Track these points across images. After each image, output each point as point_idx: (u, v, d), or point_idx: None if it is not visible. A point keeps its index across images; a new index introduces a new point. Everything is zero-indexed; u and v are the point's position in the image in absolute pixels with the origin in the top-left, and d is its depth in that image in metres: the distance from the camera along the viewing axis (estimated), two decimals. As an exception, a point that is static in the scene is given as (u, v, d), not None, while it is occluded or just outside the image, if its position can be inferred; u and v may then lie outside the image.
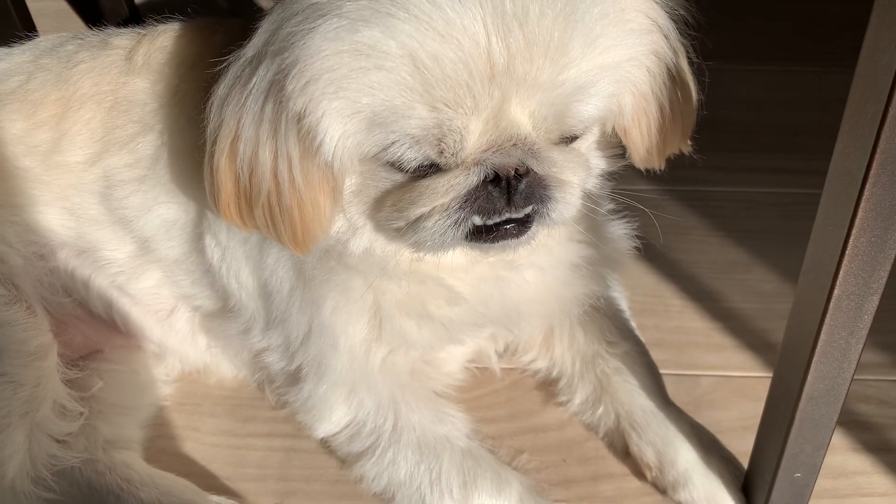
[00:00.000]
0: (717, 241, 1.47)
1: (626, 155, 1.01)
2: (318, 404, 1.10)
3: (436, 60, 0.78)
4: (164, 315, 1.19)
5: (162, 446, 1.20)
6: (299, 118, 0.83)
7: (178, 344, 1.21)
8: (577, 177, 0.90)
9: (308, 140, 0.84)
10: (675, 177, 1.55)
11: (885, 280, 0.80)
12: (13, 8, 1.67)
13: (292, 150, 0.85)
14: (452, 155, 0.84)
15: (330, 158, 0.85)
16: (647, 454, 1.12)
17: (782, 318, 1.33)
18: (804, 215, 1.48)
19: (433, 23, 0.77)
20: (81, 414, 1.10)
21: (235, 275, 1.09)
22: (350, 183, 0.91)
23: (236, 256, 1.08)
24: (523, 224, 0.89)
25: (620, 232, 1.20)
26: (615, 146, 1.01)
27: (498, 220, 0.87)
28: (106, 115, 1.11)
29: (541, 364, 1.24)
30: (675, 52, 0.92)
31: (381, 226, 0.93)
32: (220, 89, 0.88)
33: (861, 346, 0.85)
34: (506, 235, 0.89)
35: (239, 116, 0.87)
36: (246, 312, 1.12)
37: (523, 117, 0.84)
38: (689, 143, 1.02)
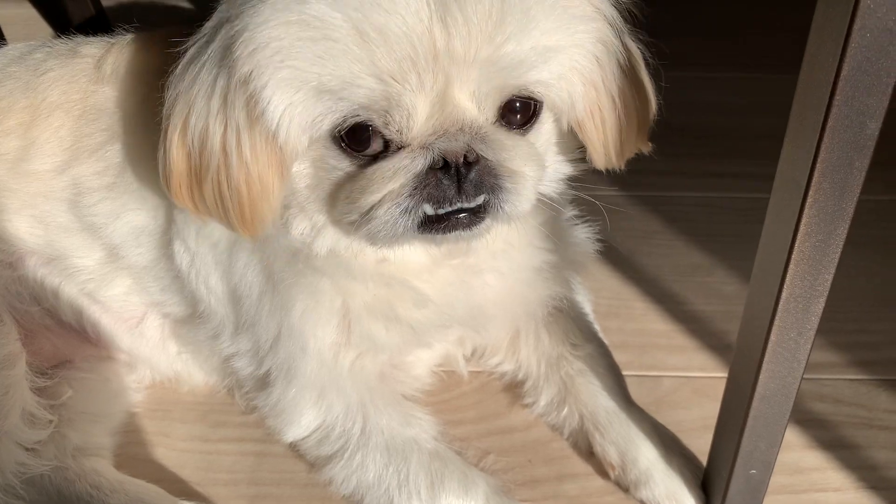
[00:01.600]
0: (680, 245, 1.51)
1: (587, 158, 1.02)
2: (287, 408, 1.12)
3: (381, 33, 0.80)
4: (135, 323, 1.20)
5: (133, 452, 1.21)
6: (246, 85, 0.85)
7: (148, 352, 1.22)
8: (530, 168, 0.91)
9: (254, 110, 0.86)
10: (638, 182, 1.60)
11: (829, 283, 0.84)
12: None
13: (241, 120, 0.87)
14: (399, 132, 0.86)
15: (274, 128, 0.86)
16: (610, 454, 1.14)
17: None
18: (762, 219, 1.53)
19: None
20: (51, 422, 1.10)
21: (204, 280, 1.10)
22: (302, 172, 0.92)
23: (205, 262, 1.09)
24: (476, 214, 0.90)
25: (583, 236, 1.23)
26: (574, 149, 1.03)
27: (449, 209, 0.88)
28: (75, 124, 1.12)
29: (507, 367, 1.26)
30: (624, 46, 0.94)
31: (338, 221, 0.94)
32: (178, 68, 0.90)
33: (809, 346, 0.89)
34: (458, 225, 0.90)
35: (191, 91, 0.89)
36: (215, 318, 1.14)
37: (467, 100, 0.86)
38: (648, 143, 1.04)
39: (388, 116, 0.85)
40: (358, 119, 0.86)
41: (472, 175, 0.87)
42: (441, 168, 0.86)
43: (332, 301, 1.04)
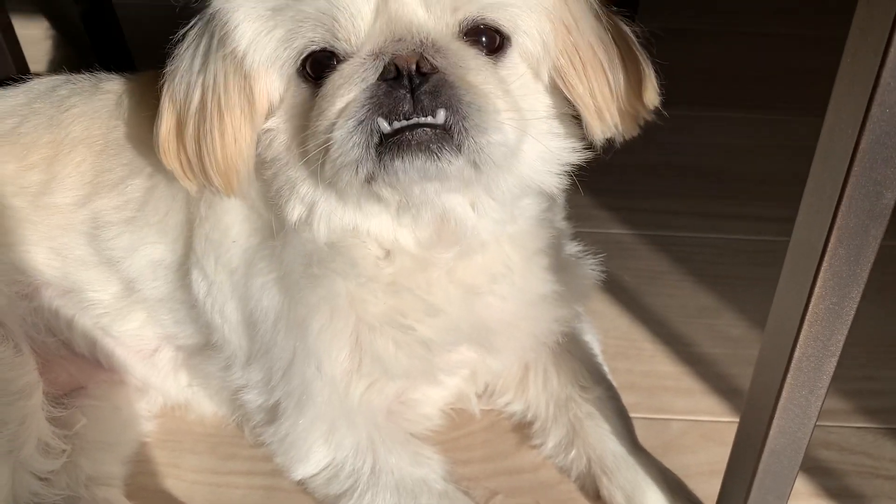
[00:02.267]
0: (688, 286, 1.52)
1: (584, 128, 0.97)
2: (296, 442, 1.12)
3: None
4: (148, 354, 1.21)
5: (143, 483, 1.21)
6: (219, 22, 0.91)
7: (160, 381, 1.23)
8: (496, 93, 0.86)
9: (226, 45, 0.91)
10: (645, 221, 1.62)
11: (842, 343, 0.85)
12: (3, 38, 1.69)
13: (215, 57, 0.92)
14: (346, 41, 0.87)
15: (241, 56, 0.91)
16: (617, 498, 1.15)
17: (750, 363, 1.38)
18: (771, 262, 1.55)
19: None
20: (64, 451, 1.12)
21: (220, 309, 1.12)
22: (278, 129, 0.95)
23: (222, 289, 1.10)
24: (440, 140, 0.84)
25: (587, 268, 1.23)
26: (574, 125, 0.99)
27: (405, 122, 0.84)
28: (96, 159, 1.14)
29: (516, 406, 1.27)
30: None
31: (311, 169, 0.92)
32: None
33: (820, 403, 0.90)
34: (418, 145, 0.84)
35: (180, 60, 0.96)
36: (228, 347, 1.15)
37: (414, 1, 0.86)
38: (650, 99, 0.98)
39: (336, 24, 0.86)
40: (314, 46, 0.88)
41: (427, 86, 0.83)
42: (395, 79, 0.84)
43: (347, 316, 1.04)
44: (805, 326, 0.83)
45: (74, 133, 1.14)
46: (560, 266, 1.15)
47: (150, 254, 1.13)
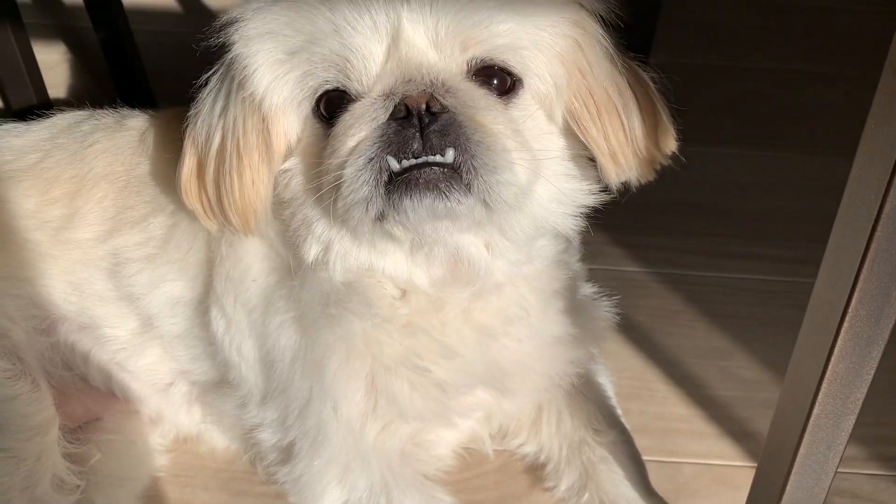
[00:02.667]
0: (700, 327, 1.52)
1: (598, 169, 0.97)
2: (311, 482, 1.12)
3: None
4: (162, 388, 1.22)
5: (155, 519, 1.22)
6: (238, 65, 0.94)
7: (173, 414, 1.24)
8: (506, 133, 0.87)
9: (244, 82, 0.94)
10: (657, 259, 1.63)
11: (861, 401, 0.85)
12: (24, 64, 1.71)
13: (234, 100, 0.95)
14: (359, 81, 0.89)
15: (259, 98, 0.93)
16: (630, 543, 1.15)
17: (762, 406, 1.40)
18: (782, 303, 1.56)
19: None
20: (78, 486, 1.12)
21: (238, 347, 1.12)
22: (294, 170, 0.97)
23: (240, 327, 1.11)
24: (450, 180, 0.85)
25: (603, 310, 1.23)
26: (589, 167, 0.99)
27: (413, 161, 0.84)
28: (118, 195, 1.15)
29: (529, 448, 1.27)
30: (613, 45, 0.95)
31: (324, 205, 0.93)
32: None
33: (838, 459, 0.90)
34: (426, 184, 0.84)
35: (203, 104, 0.99)
36: (244, 386, 1.15)
37: (423, 41, 0.88)
38: (668, 144, 0.99)
39: (349, 65, 0.89)
40: (327, 85, 0.90)
41: (436, 125, 0.84)
42: (405, 118, 0.85)
43: (363, 357, 1.05)
44: (824, 385, 0.84)
45: (97, 169, 1.15)
46: (575, 308, 1.15)
47: (170, 291, 1.14)
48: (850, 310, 0.78)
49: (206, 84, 1.00)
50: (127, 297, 1.15)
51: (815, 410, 0.86)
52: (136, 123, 1.18)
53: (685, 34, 2.06)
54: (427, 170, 0.85)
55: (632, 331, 1.48)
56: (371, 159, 0.86)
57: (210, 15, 2.10)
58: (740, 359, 1.47)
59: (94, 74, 1.99)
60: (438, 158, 0.85)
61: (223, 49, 0.97)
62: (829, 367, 0.82)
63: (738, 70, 2.02)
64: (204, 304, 1.13)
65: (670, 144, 1.00)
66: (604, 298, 1.24)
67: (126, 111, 1.21)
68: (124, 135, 1.17)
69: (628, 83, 0.96)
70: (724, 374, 1.44)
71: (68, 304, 1.17)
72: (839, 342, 0.80)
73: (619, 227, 1.63)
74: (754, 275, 1.60)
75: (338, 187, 0.88)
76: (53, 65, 2.00)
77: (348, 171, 0.87)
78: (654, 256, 1.63)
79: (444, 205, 0.86)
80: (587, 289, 1.24)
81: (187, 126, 1.01)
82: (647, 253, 1.63)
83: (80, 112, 1.23)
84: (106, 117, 1.20)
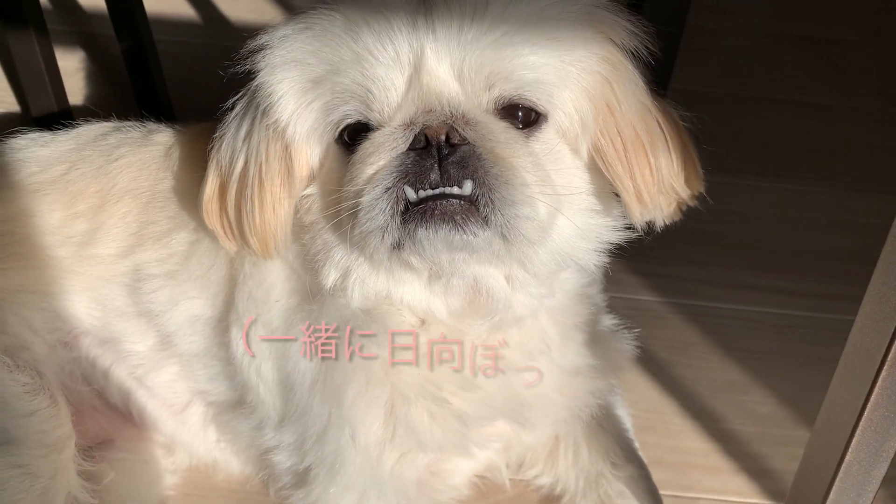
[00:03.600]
0: (716, 359, 1.51)
1: (622, 205, 0.96)
2: (325, 509, 1.11)
3: (366, 20, 0.88)
4: (179, 409, 1.21)
5: (166, 539, 1.20)
6: (263, 93, 0.94)
7: (189, 438, 1.22)
8: (526, 167, 0.86)
9: (268, 110, 0.94)
10: (675, 289, 1.62)
11: (894, 450, 0.84)
12: (46, 70, 1.70)
13: (258, 127, 0.96)
14: (380, 112, 0.89)
15: (283, 126, 0.94)
16: (646, 580, 1.14)
17: (778, 443, 1.39)
18: (800, 338, 1.55)
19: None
20: (92, 505, 1.10)
21: (257, 368, 1.11)
22: (315, 196, 0.97)
23: (261, 348, 1.10)
24: (466, 210, 0.84)
25: (623, 342, 1.22)
26: (614, 203, 0.98)
27: (431, 192, 0.84)
28: (142, 210, 1.14)
29: (545, 479, 1.26)
30: (643, 81, 0.94)
31: (341, 231, 0.93)
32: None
33: (868, 506, 0.89)
34: (443, 216, 0.84)
35: (227, 129, 1.00)
36: (262, 408, 1.14)
37: (447, 74, 0.88)
38: (694, 186, 0.98)
39: (370, 95, 0.89)
40: (349, 120, 0.91)
41: (455, 157, 0.84)
42: (423, 148, 0.85)
43: (382, 384, 1.04)
44: (858, 432, 0.83)
45: (122, 183, 1.14)
46: (596, 339, 1.14)
47: (190, 308, 1.13)
48: (888, 358, 0.77)
49: (232, 108, 1.00)
50: (146, 314, 1.14)
51: (847, 458, 0.85)
52: (163, 138, 1.17)
53: (705, 63, 2.06)
54: (444, 201, 0.85)
55: (648, 362, 1.47)
56: (388, 188, 0.86)
57: (230, 26, 2.11)
58: (756, 394, 1.46)
59: (113, 82, 1.99)
60: (456, 190, 0.84)
61: (249, 72, 0.97)
62: (865, 414, 0.82)
63: (758, 100, 2.01)
64: (224, 322, 1.12)
65: (698, 185, 0.99)
66: (624, 330, 1.24)
67: (152, 125, 1.20)
68: (150, 150, 1.16)
69: (657, 121, 0.95)
70: (741, 408, 1.43)
71: (91, 318, 1.16)
72: (876, 390, 0.80)
73: (636, 255, 1.61)
74: (771, 308, 1.60)
75: (355, 214, 0.88)
76: (73, 72, 1.99)
77: (365, 199, 0.87)
78: (671, 286, 1.62)
79: (460, 237, 0.85)
80: (608, 320, 1.23)
81: (212, 148, 1.01)
82: (664, 283, 1.62)
83: (106, 123, 1.22)
84: (132, 131, 1.19)
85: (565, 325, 1.08)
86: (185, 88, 1.90)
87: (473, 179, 0.84)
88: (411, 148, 0.86)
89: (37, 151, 1.18)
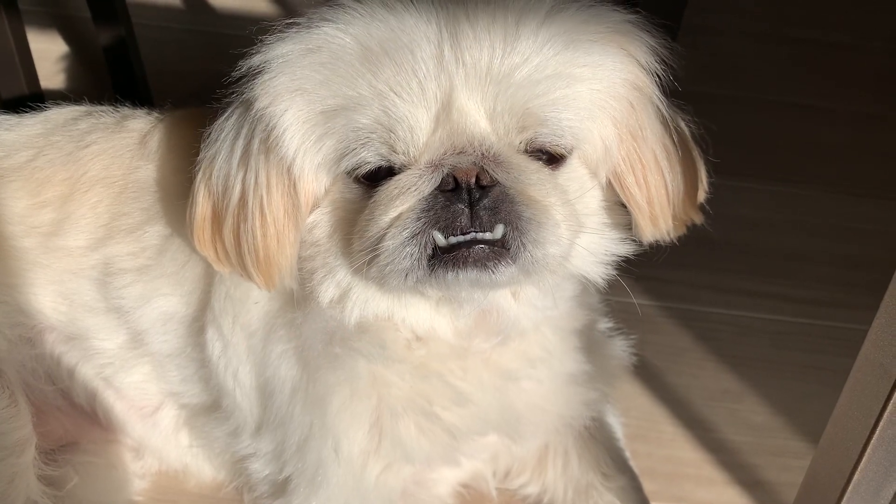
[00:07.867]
0: (709, 366, 1.47)
1: (632, 226, 0.95)
2: (307, 521, 1.06)
3: (384, 48, 0.80)
4: (149, 412, 1.15)
5: (132, 547, 1.14)
6: (264, 120, 0.86)
7: (159, 442, 1.16)
8: (557, 205, 0.84)
9: (271, 145, 0.86)
10: (669, 292, 1.57)
11: (905, 469, 0.80)
12: (17, 53, 1.63)
13: (259, 161, 0.87)
14: (404, 153, 0.82)
15: (289, 162, 0.86)
16: None
17: (772, 454, 1.35)
18: (794, 346, 1.51)
19: (385, 18, 0.81)
20: (53, 512, 1.04)
21: (234, 371, 1.05)
22: (321, 220, 0.90)
23: (238, 351, 1.04)
24: (496, 254, 0.81)
25: (619, 349, 1.20)
26: (623, 226, 0.96)
27: (462, 238, 0.80)
28: (113, 201, 1.08)
29: (532, 489, 1.21)
30: (665, 104, 0.91)
31: (357, 270, 0.88)
32: (213, 125, 0.92)
33: (873, 528, 0.85)
34: (473, 261, 0.81)
35: (218, 141, 0.90)
36: (239, 414, 1.08)
37: (476, 112, 0.82)
38: (699, 212, 0.98)
39: (393, 136, 0.82)
40: (368, 166, 0.84)
41: (487, 200, 0.80)
42: (452, 190, 0.81)
43: (369, 397, 0.99)
44: (869, 450, 0.79)
45: (93, 171, 1.07)
46: (591, 345, 1.11)
47: (163, 306, 1.07)
48: (905, 375, 0.73)
49: (224, 120, 0.91)
50: (116, 310, 1.08)
51: (856, 476, 0.81)
52: (138, 125, 1.11)
53: (700, 64, 2.02)
54: (476, 248, 0.81)
55: (640, 368, 1.42)
56: (415, 234, 0.81)
57: (212, 11, 2.04)
58: (750, 402, 1.42)
59: (90, 67, 1.92)
60: (488, 236, 0.81)
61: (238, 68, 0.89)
62: (877, 432, 0.77)
63: (756, 102, 1.97)
64: (199, 322, 1.07)
65: (701, 196, 0.98)
66: (619, 337, 1.20)
67: (127, 110, 1.14)
68: (124, 136, 1.10)
69: (676, 145, 0.93)
70: (734, 417, 1.39)
71: (57, 313, 1.09)
72: (889, 407, 0.75)
73: (628, 258, 1.58)
74: (766, 314, 1.56)
75: (375, 253, 0.83)
76: (47, 54, 1.92)
77: (389, 245, 0.82)
78: (665, 290, 1.57)
79: (488, 277, 0.82)
80: (603, 324, 1.20)
81: (199, 168, 0.92)
82: (658, 286, 1.58)
83: (77, 107, 1.15)
84: (105, 116, 1.13)
85: (564, 330, 1.05)
86: (164, 75, 1.83)
87: (506, 223, 0.81)
88: (439, 189, 0.81)
89: (1, 135, 1.11)
